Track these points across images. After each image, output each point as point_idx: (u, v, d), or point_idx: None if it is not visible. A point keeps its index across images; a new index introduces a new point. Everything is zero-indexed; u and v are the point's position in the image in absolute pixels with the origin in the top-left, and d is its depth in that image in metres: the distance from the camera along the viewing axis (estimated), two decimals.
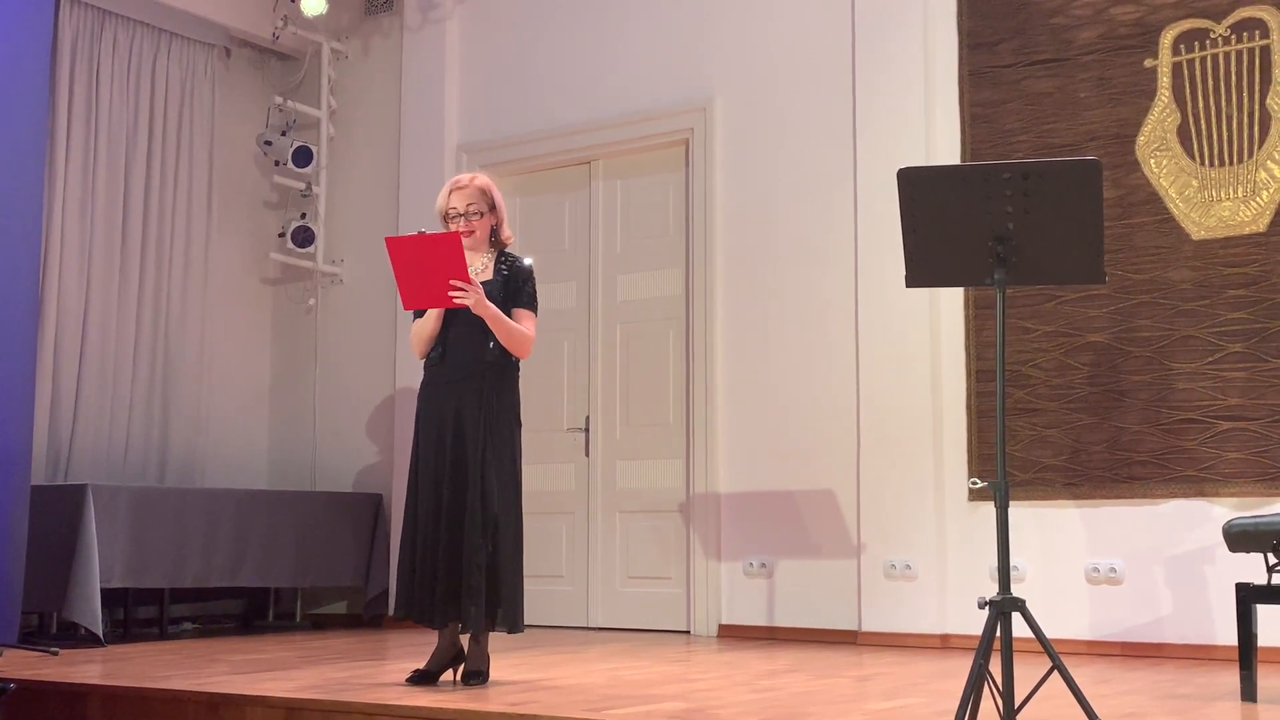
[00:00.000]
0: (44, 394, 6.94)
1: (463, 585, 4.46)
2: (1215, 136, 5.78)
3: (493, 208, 4.75)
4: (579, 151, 7.44)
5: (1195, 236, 5.77)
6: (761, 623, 6.61)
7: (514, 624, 4.54)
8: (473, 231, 4.68)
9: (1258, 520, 4.34)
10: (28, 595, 5.94)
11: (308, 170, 8.00)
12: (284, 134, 8.05)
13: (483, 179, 4.81)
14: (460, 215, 4.69)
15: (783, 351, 6.69)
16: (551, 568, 7.29)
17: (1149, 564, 5.73)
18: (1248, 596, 4.29)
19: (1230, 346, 5.64)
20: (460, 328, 4.60)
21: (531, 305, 4.73)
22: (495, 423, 4.58)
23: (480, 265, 4.73)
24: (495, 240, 4.79)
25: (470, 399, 4.58)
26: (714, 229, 6.92)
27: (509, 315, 4.66)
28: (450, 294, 4.46)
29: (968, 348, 6.20)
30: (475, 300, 4.48)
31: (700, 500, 6.81)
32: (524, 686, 4.49)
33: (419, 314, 4.71)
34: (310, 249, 8.01)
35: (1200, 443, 5.66)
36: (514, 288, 4.70)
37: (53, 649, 5.66)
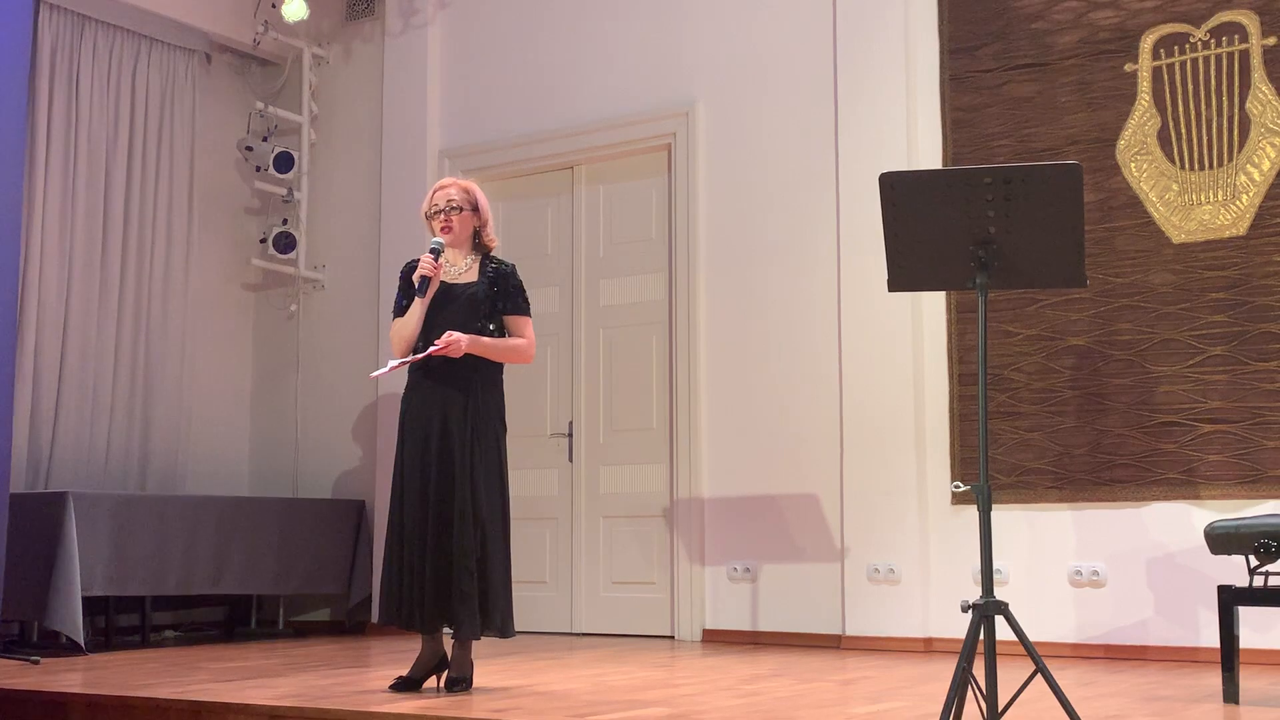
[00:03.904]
0: (24, 401, 6.90)
1: (453, 591, 4.45)
2: (1195, 140, 5.81)
3: (475, 208, 4.74)
4: (561, 156, 7.44)
5: (1176, 240, 5.79)
6: (745, 627, 6.61)
7: (504, 629, 4.53)
8: (451, 228, 4.67)
9: (1239, 523, 4.35)
10: (8, 604, 5.91)
11: (289, 176, 7.98)
12: (265, 139, 8.03)
13: (467, 182, 4.84)
14: (440, 211, 4.69)
15: (765, 356, 6.69)
16: (535, 573, 7.28)
17: (1132, 567, 5.75)
18: (1229, 599, 4.30)
19: (1211, 350, 5.66)
20: (441, 330, 4.59)
21: (526, 309, 4.76)
22: (481, 426, 4.58)
23: (464, 265, 4.72)
24: (479, 244, 4.78)
25: (455, 403, 4.57)
26: (696, 233, 6.92)
27: (500, 321, 4.67)
28: (439, 354, 4.54)
29: (950, 351, 6.21)
30: (467, 343, 4.53)
31: (684, 505, 6.81)
32: (507, 693, 4.48)
33: (399, 313, 4.70)
34: (292, 255, 7.99)
35: (1182, 445, 5.68)
36: (505, 293, 4.70)
37: (34, 658, 5.63)
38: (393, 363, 4.63)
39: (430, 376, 4.63)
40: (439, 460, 4.55)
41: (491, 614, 4.49)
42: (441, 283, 4.68)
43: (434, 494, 4.53)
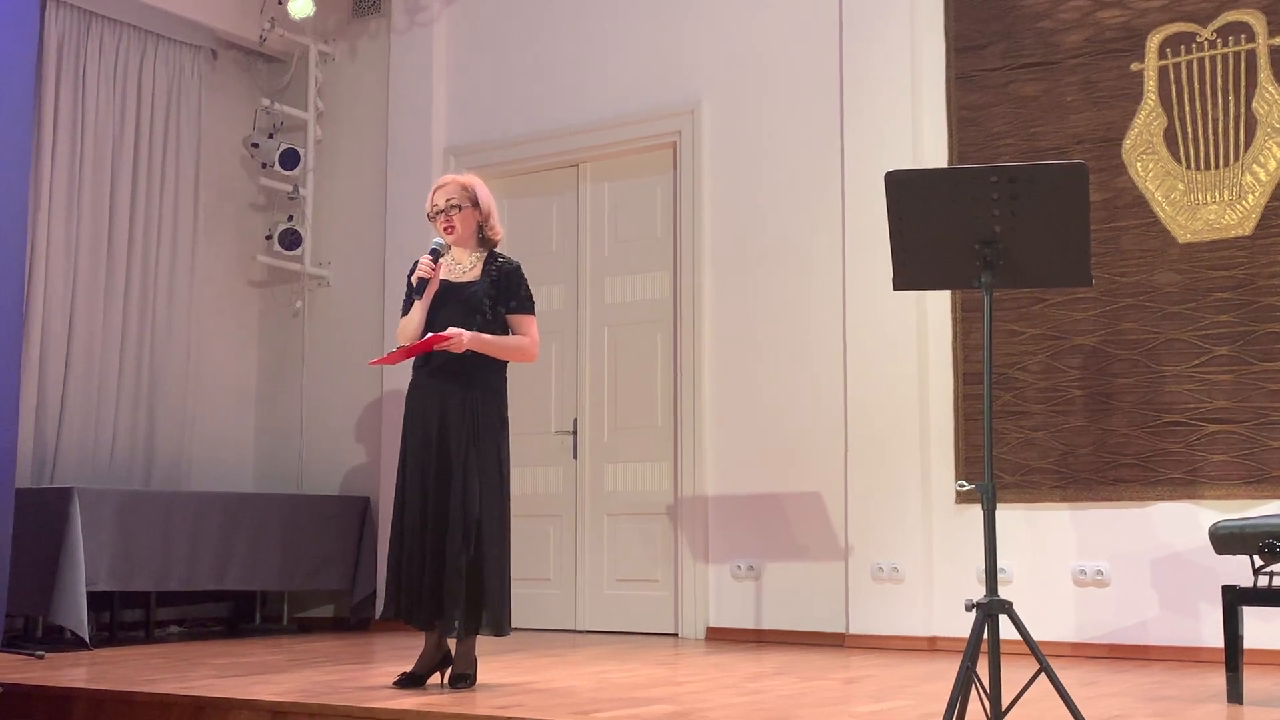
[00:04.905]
0: (29, 396, 6.91)
1: (446, 589, 4.46)
2: (1201, 140, 5.80)
3: (475, 203, 4.72)
4: (567, 154, 7.44)
5: (1181, 240, 5.79)
6: (749, 625, 6.61)
7: (499, 627, 4.53)
8: (453, 227, 4.67)
9: (1244, 522, 4.35)
10: (13, 598, 5.92)
11: (295, 173, 7.98)
12: (271, 136, 8.03)
13: (467, 177, 4.81)
14: (441, 211, 4.69)
15: (770, 354, 6.69)
16: (539, 570, 7.28)
17: (1136, 566, 5.75)
18: (1234, 599, 4.30)
19: (1216, 349, 5.66)
20: (443, 329, 4.59)
21: (530, 307, 4.75)
22: (480, 424, 4.58)
23: (469, 264, 4.72)
24: (484, 239, 4.78)
25: (455, 401, 4.57)
26: (702, 232, 6.92)
27: (503, 319, 4.67)
28: (438, 347, 4.52)
29: (955, 350, 6.21)
30: (469, 339, 4.52)
31: (688, 503, 6.81)
32: (511, 689, 4.48)
33: (405, 312, 4.72)
34: (297, 251, 7.99)
35: (1187, 445, 5.67)
36: (507, 291, 4.69)
37: (38, 653, 5.64)
38: (391, 351, 4.65)
39: (432, 374, 4.63)
40: (437, 458, 4.55)
41: (483, 613, 4.49)
42: (445, 281, 4.68)
43: (432, 491, 4.54)
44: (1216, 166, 5.76)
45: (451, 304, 4.63)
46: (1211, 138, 5.78)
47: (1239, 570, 4.81)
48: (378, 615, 7.34)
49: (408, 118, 7.87)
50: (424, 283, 4.64)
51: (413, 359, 4.70)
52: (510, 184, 7.65)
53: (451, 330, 4.52)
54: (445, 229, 4.68)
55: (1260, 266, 5.62)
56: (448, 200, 4.69)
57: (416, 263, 4.72)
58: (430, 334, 4.56)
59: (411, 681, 4.53)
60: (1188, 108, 5.83)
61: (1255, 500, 5.50)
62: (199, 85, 7.95)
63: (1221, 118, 5.76)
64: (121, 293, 7.45)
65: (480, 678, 4.65)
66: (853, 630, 6.26)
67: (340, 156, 8.20)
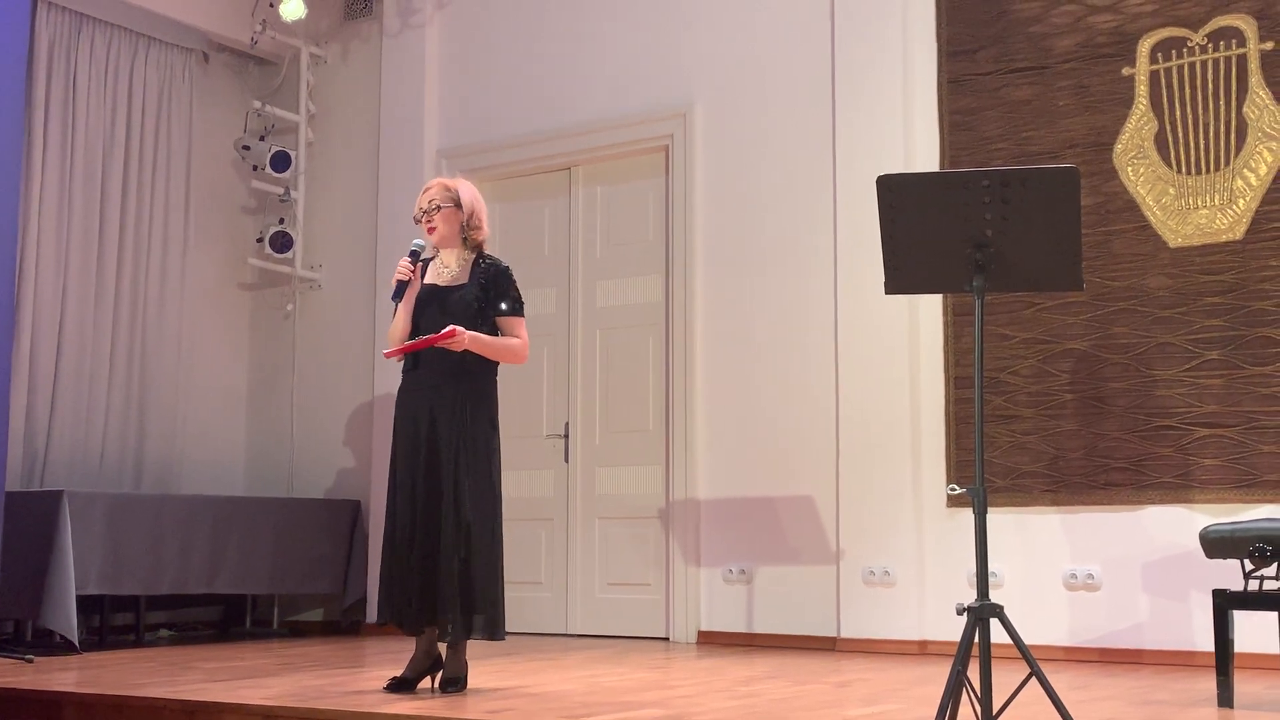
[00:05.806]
0: (19, 399, 6.89)
1: (438, 593, 4.45)
2: (1192, 144, 5.81)
3: (458, 203, 4.72)
4: (559, 157, 7.44)
5: (1172, 244, 5.80)
6: (740, 629, 6.60)
7: (494, 630, 4.53)
8: (434, 227, 4.68)
9: (1234, 527, 4.36)
10: (2, 602, 5.91)
11: (286, 175, 7.97)
12: (262, 139, 8.02)
13: (453, 180, 4.85)
14: (425, 213, 4.70)
15: (762, 358, 6.69)
16: (530, 574, 7.27)
17: (1127, 570, 5.75)
18: (1224, 603, 4.31)
19: (1207, 354, 5.67)
20: (431, 333, 4.59)
21: (520, 309, 4.75)
22: (469, 428, 4.57)
23: (456, 267, 4.72)
24: (469, 240, 4.77)
25: (444, 404, 4.57)
26: (694, 235, 6.92)
27: (491, 321, 4.67)
28: (441, 345, 4.52)
29: (946, 354, 6.21)
30: (469, 340, 4.52)
31: (680, 506, 6.81)
32: (502, 694, 4.48)
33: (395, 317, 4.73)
34: (288, 254, 7.98)
35: (1178, 449, 5.68)
36: (497, 294, 4.69)
37: (28, 656, 5.62)
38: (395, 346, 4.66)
39: (421, 377, 4.63)
40: (427, 462, 4.55)
41: (477, 616, 4.49)
42: (434, 285, 4.69)
43: (422, 495, 4.53)
44: (1207, 171, 5.76)
45: (435, 308, 4.63)
46: (1202, 142, 5.79)
47: (1230, 574, 4.82)
48: (368, 619, 7.34)
49: (399, 120, 7.87)
50: (403, 285, 4.64)
51: (402, 362, 4.70)
52: (502, 187, 7.64)
53: (451, 329, 4.51)
54: (428, 229, 4.70)
55: (1251, 271, 5.63)
56: (431, 201, 4.71)
57: None
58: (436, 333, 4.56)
59: (402, 686, 4.52)
60: (1179, 112, 5.84)
61: (1246, 504, 5.51)
62: (190, 88, 7.94)
63: (1212, 122, 5.77)
64: (112, 295, 7.44)
65: (471, 682, 4.64)
66: (844, 634, 6.26)
67: (332, 159, 8.19)
